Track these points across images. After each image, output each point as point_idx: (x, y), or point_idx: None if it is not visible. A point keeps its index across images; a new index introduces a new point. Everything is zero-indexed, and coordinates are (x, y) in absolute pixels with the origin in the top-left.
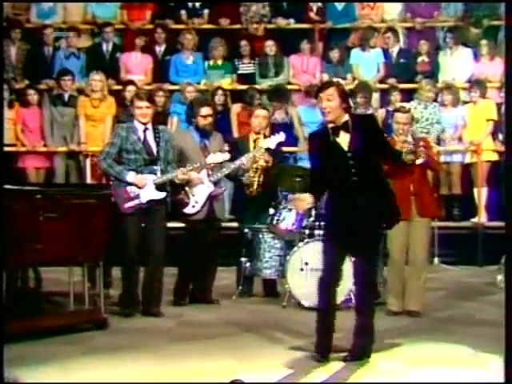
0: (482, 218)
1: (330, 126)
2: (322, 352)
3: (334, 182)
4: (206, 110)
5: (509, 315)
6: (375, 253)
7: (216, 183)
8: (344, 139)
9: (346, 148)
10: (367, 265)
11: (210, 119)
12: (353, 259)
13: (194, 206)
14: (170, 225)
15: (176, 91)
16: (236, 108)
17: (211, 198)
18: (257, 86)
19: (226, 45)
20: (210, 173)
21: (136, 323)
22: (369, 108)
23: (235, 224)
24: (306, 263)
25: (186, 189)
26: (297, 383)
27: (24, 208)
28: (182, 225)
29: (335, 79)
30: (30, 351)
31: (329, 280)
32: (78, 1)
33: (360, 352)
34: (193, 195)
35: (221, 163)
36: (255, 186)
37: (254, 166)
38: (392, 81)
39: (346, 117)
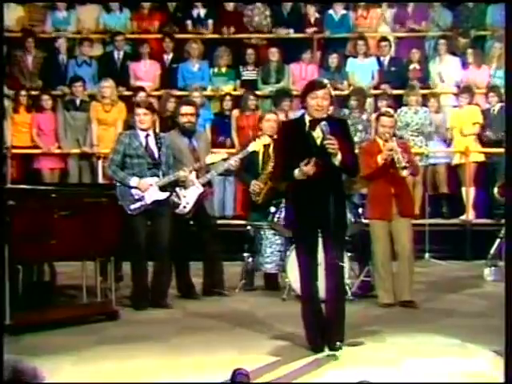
0: (469, 215)
1: (308, 118)
2: (316, 343)
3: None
4: (185, 109)
5: (509, 315)
6: (343, 229)
7: (205, 184)
8: (318, 134)
9: (318, 143)
10: (335, 243)
11: (190, 118)
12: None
13: (185, 207)
14: None
15: (183, 97)
16: (235, 113)
17: (201, 199)
18: (258, 92)
19: (229, 53)
20: (200, 175)
21: (145, 315)
22: (363, 112)
23: (239, 221)
24: None
25: (177, 190)
26: (300, 383)
27: (39, 206)
28: None
29: (326, 81)
30: (44, 341)
31: (310, 270)
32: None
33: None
34: (184, 196)
35: (213, 163)
36: (262, 196)
37: (263, 176)
38: (385, 87)
39: (324, 116)
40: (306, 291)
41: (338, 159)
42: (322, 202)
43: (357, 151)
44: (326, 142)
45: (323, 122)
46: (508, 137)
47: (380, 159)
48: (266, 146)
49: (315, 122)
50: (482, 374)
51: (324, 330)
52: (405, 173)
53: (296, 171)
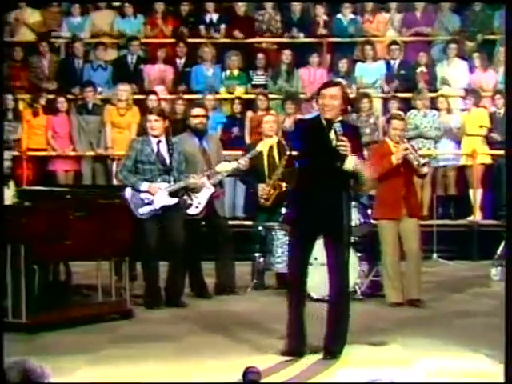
0: (476, 216)
1: (324, 118)
2: (297, 349)
3: (313, 171)
4: (196, 111)
5: (509, 316)
6: (346, 233)
7: (216, 185)
8: (332, 136)
9: (333, 144)
10: (340, 247)
11: (201, 119)
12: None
13: (197, 207)
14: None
15: (196, 100)
16: (249, 114)
17: (212, 199)
18: (270, 95)
19: (241, 57)
20: (210, 176)
21: (160, 314)
22: (371, 116)
23: (248, 222)
24: (315, 258)
25: (189, 191)
26: (305, 383)
27: (55, 207)
28: None
29: (339, 79)
30: (59, 340)
31: (299, 273)
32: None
33: (335, 348)
34: (196, 197)
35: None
36: (270, 201)
37: (271, 182)
38: (394, 87)
39: (340, 117)
40: (293, 292)
41: (349, 163)
42: (324, 204)
43: (366, 153)
44: (338, 143)
45: (337, 124)
46: (508, 138)
47: (394, 159)
48: (271, 148)
49: (330, 124)
50: (488, 373)
51: (325, 335)
52: (425, 169)
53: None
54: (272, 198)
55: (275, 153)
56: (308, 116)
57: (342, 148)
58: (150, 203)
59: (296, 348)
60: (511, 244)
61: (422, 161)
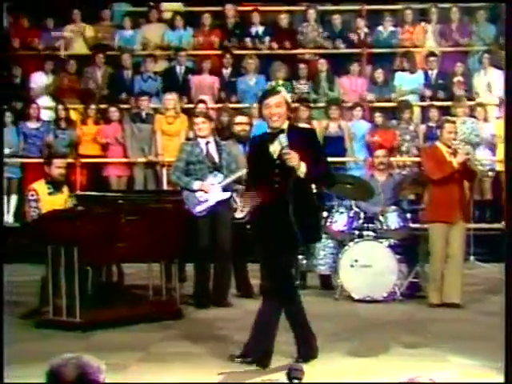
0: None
1: (268, 131)
2: (263, 358)
3: (261, 188)
4: (239, 119)
5: (508, 316)
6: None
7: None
8: (276, 147)
9: (275, 156)
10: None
11: (243, 127)
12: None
13: (242, 211)
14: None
15: (241, 109)
16: None
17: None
18: (311, 104)
19: (285, 67)
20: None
21: (207, 313)
22: (410, 123)
23: None
24: (356, 260)
25: (234, 196)
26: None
27: (107, 212)
28: None
29: (279, 87)
30: (112, 338)
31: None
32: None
33: (306, 351)
34: (240, 201)
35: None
36: None
37: None
38: (431, 99)
39: (285, 125)
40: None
41: (301, 171)
42: (278, 224)
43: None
44: (283, 155)
45: (282, 135)
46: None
47: (456, 163)
48: None
49: (274, 135)
50: None
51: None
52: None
53: None
54: None
55: None
56: (258, 133)
57: (287, 159)
58: (205, 201)
59: (259, 357)
60: (511, 244)
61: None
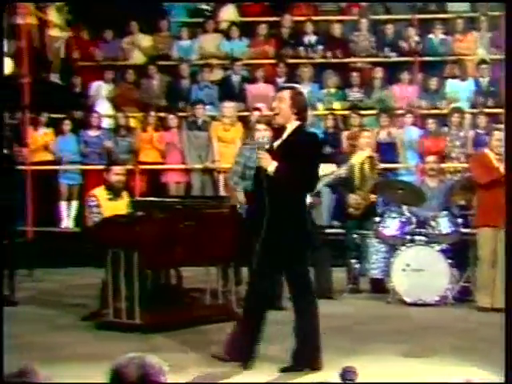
0: None
1: (276, 122)
2: (246, 360)
3: (255, 194)
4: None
5: (508, 316)
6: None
7: (313, 194)
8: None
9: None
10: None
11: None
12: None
13: None
14: None
15: None
16: (345, 132)
17: (310, 208)
18: (363, 111)
19: (338, 75)
20: None
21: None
22: (461, 130)
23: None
24: (408, 264)
25: None
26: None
27: (166, 217)
28: None
29: (292, 84)
30: (171, 339)
31: (262, 285)
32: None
33: (301, 359)
34: None
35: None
36: (359, 211)
37: (362, 193)
38: (482, 106)
39: (293, 125)
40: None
41: (270, 170)
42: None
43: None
44: (257, 154)
45: (266, 133)
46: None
47: (503, 169)
48: (362, 161)
49: (274, 138)
50: None
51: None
52: None
53: None
54: (361, 208)
55: (366, 166)
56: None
57: (258, 158)
58: None
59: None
60: (511, 245)
61: None
